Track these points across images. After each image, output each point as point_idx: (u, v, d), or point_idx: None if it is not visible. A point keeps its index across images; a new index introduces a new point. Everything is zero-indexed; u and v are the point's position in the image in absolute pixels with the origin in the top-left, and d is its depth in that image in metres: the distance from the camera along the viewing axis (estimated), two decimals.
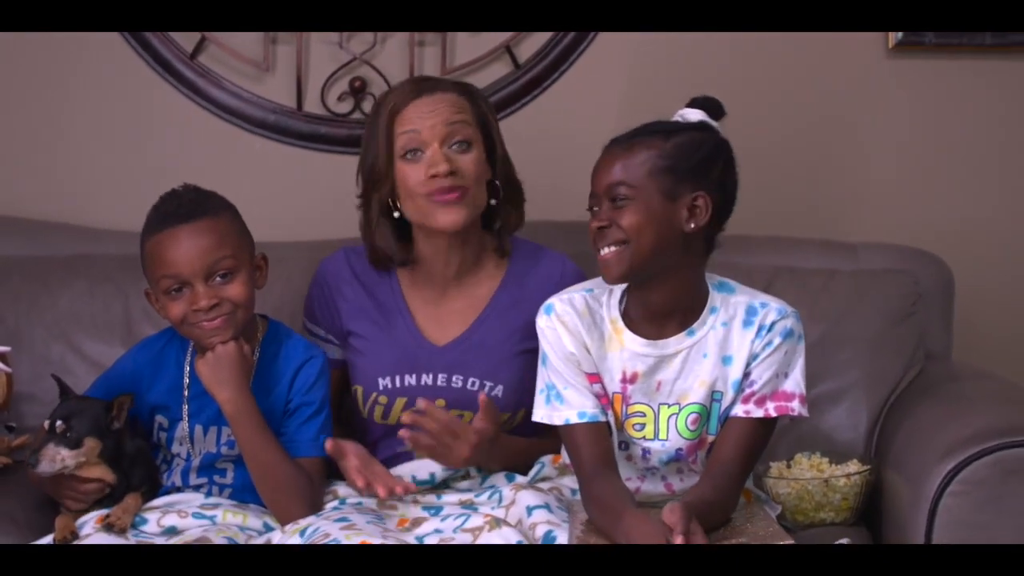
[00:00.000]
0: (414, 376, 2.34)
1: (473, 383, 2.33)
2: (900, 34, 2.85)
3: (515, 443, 2.32)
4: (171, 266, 2.19)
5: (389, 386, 2.34)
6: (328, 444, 2.23)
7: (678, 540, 1.92)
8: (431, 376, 2.34)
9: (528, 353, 2.32)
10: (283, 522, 2.18)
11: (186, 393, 2.27)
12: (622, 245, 2.09)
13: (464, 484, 2.30)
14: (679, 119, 2.17)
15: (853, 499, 2.35)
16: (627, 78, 2.88)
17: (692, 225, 2.11)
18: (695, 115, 2.17)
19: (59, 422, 2.19)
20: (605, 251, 2.11)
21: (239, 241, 2.23)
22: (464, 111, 2.30)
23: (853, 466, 2.39)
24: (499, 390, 2.33)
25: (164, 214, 2.22)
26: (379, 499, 2.21)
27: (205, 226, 2.20)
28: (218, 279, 2.20)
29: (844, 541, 2.16)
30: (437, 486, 2.30)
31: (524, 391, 2.31)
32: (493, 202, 2.35)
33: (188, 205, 2.22)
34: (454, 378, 2.33)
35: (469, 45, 2.88)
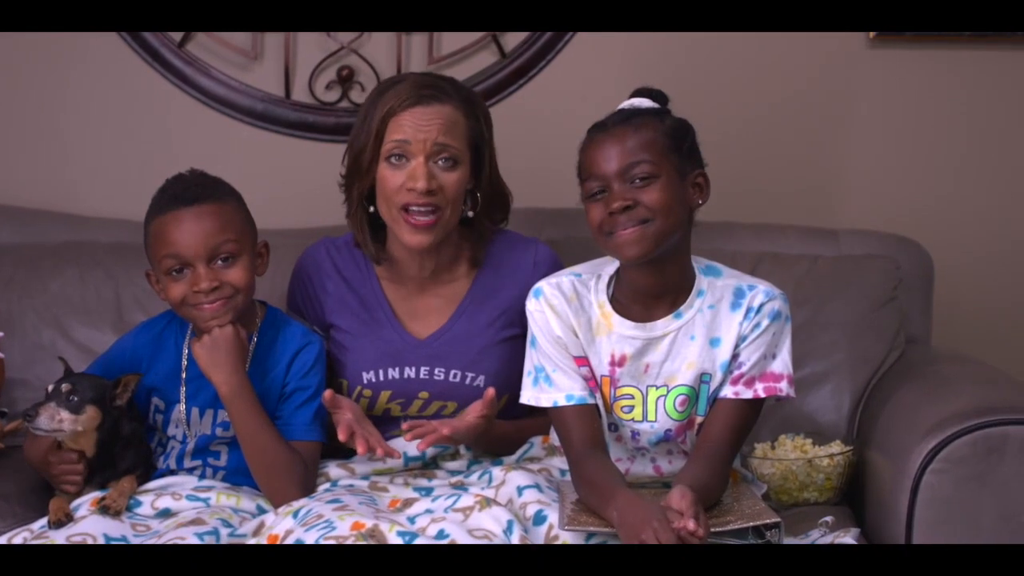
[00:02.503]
0: (397, 370, 2.36)
1: (455, 375, 2.35)
2: None
3: (504, 428, 2.34)
4: (173, 246, 2.21)
5: (373, 380, 2.36)
6: (327, 394, 2.23)
7: (690, 525, 1.94)
8: (414, 369, 2.36)
9: (508, 341, 2.36)
10: (276, 504, 2.20)
11: (184, 376, 2.29)
12: (645, 224, 2.09)
13: (453, 464, 2.33)
14: (628, 108, 2.17)
15: (836, 479, 2.39)
16: (612, 68, 2.90)
17: (700, 202, 2.14)
18: (646, 104, 2.17)
19: (65, 384, 2.21)
20: (626, 230, 2.09)
21: (242, 227, 2.26)
22: (458, 128, 2.29)
23: (836, 447, 2.42)
24: (481, 380, 2.35)
25: (170, 196, 2.23)
26: (375, 458, 2.25)
27: (209, 210, 2.22)
28: (219, 262, 2.22)
29: (828, 519, 2.19)
30: (427, 465, 2.33)
31: (506, 379, 2.34)
32: (470, 214, 2.35)
33: (194, 189, 2.24)
34: (436, 370, 2.35)
35: (456, 34, 2.90)
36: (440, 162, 2.27)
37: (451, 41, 2.90)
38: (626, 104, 2.18)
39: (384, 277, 2.40)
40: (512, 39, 2.91)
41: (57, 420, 2.20)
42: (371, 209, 2.34)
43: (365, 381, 2.35)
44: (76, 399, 2.20)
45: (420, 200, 2.26)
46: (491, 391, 2.26)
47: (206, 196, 2.23)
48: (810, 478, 2.38)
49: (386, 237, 2.38)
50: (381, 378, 2.35)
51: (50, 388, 2.22)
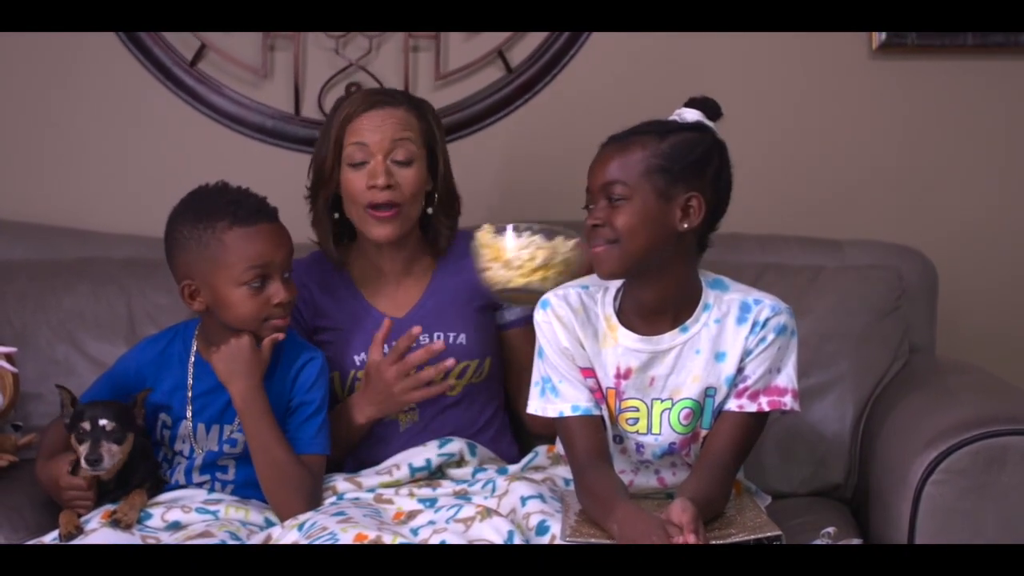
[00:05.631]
0: (386, 346, 2.40)
1: (438, 335, 2.43)
2: (883, 35, 2.90)
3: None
4: (262, 259, 2.26)
5: (365, 359, 2.40)
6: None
7: (690, 540, 1.95)
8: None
9: (479, 309, 2.47)
10: (283, 516, 2.22)
11: (190, 394, 2.32)
12: (611, 244, 2.12)
13: (458, 472, 2.36)
14: (676, 119, 2.18)
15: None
16: (617, 81, 2.92)
17: (685, 225, 2.12)
18: (692, 115, 2.18)
19: (104, 421, 2.23)
20: (598, 248, 2.13)
21: None
22: (411, 129, 2.42)
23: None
24: (463, 338, 2.44)
25: (252, 210, 2.28)
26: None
27: (283, 227, 2.32)
28: (286, 277, 2.30)
29: (830, 530, 2.19)
30: (433, 474, 2.36)
31: (487, 340, 2.47)
32: (429, 211, 2.47)
33: (267, 205, 2.32)
34: (421, 337, 2.40)
35: (462, 50, 2.93)
36: (396, 160, 2.40)
37: (457, 57, 2.93)
38: (675, 115, 2.18)
39: (357, 278, 2.50)
40: (518, 54, 2.94)
41: (113, 455, 2.24)
42: (335, 216, 2.47)
43: (358, 363, 2.42)
44: (118, 432, 2.24)
45: (381, 197, 2.38)
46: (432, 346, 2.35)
47: (276, 215, 2.32)
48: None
49: (353, 242, 2.50)
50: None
51: (87, 426, 2.23)
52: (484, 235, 2.29)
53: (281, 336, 2.29)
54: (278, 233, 2.30)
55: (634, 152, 2.12)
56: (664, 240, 2.13)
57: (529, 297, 2.28)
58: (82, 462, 2.22)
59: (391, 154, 2.40)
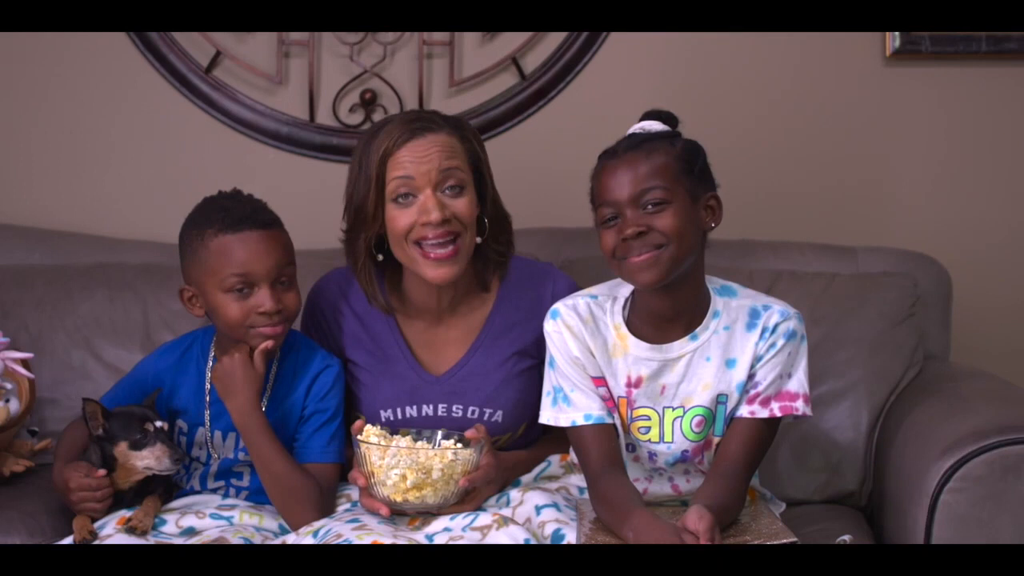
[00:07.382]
0: (415, 408, 2.35)
1: (472, 411, 2.34)
2: (897, 42, 2.91)
3: (517, 457, 2.35)
4: (244, 266, 2.24)
5: (391, 418, 2.35)
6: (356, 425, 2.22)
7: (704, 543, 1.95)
8: (431, 407, 2.35)
9: (526, 372, 2.35)
10: (294, 526, 2.22)
11: (208, 399, 2.33)
12: (659, 249, 2.09)
13: None
14: (639, 132, 2.16)
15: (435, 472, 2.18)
16: (629, 87, 2.93)
17: (712, 225, 2.14)
18: (656, 127, 2.17)
19: (159, 423, 2.25)
20: (639, 256, 2.10)
21: (294, 254, 2.32)
22: (456, 153, 2.27)
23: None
24: (499, 415, 2.35)
25: (239, 216, 2.26)
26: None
27: (276, 235, 2.28)
28: (280, 286, 2.27)
29: (846, 538, 2.19)
30: None
31: (523, 409, 2.35)
32: (479, 240, 2.32)
33: (261, 212, 2.28)
34: (454, 407, 2.35)
35: (476, 57, 2.94)
36: (447, 190, 2.25)
37: (472, 63, 2.94)
38: (637, 128, 2.17)
39: (399, 311, 2.38)
40: (532, 61, 2.95)
41: None
42: (379, 258, 2.32)
43: (383, 419, 2.34)
44: (168, 431, 2.26)
45: (436, 232, 2.24)
46: (472, 433, 2.23)
47: (272, 221, 2.29)
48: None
49: (399, 278, 2.36)
50: (399, 416, 2.35)
51: (151, 427, 2.24)
52: (363, 445, 2.16)
53: (271, 345, 2.26)
54: (266, 240, 2.25)
55: (660, 156, 2.11)
56: (697, 242, 2.13)
57: (418, 511, 2.19)
58: (166, 462, 2.23)
59: (440, 185, 2.24)
